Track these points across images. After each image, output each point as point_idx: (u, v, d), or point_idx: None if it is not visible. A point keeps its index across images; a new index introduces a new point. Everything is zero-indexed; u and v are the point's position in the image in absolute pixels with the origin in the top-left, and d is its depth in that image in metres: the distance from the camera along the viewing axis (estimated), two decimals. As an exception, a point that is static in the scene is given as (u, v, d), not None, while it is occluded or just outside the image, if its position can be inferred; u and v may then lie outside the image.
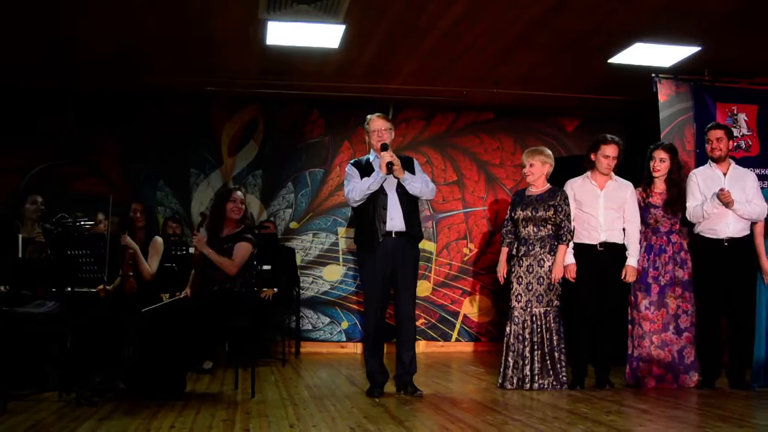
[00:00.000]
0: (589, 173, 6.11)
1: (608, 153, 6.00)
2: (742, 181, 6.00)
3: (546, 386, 5.78)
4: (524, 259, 5.93)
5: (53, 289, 5.80)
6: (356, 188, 5.60)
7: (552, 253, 5.87)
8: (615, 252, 5.95)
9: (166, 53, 7.42)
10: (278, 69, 7.95)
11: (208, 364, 6.83)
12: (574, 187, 6.10)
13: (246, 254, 5.76)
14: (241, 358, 6.20)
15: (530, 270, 5.90)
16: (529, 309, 5.88)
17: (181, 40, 7.03)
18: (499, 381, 5.93)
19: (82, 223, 5.70)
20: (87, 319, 5.63)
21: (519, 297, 5.92)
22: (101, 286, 5.88)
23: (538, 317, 5.86)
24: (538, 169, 5.99)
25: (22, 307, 5.80)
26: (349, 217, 9.04)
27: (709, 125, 6.25)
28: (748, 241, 5.91)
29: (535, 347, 5.83)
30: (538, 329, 5.85)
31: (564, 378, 5.84)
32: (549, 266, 5.86)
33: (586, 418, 4.62)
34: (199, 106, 9.02)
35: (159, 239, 6.58)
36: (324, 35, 6.84)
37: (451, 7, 6.27)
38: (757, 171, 6.97)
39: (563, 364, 5.86)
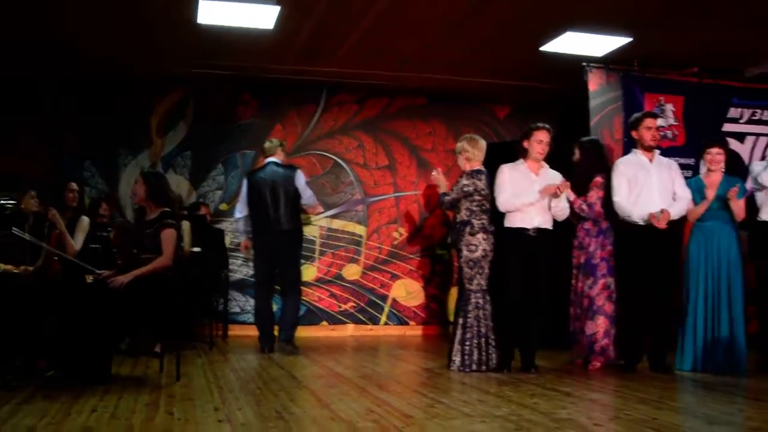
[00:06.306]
0: (522, 161, 6.18)
1: (541, 138, 6.09)
2: (668, 170, 6.19)
3: (480, 367, 5.93)
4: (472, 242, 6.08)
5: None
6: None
7: (469, 236, 6.03)
8: (546, 237, 6.06)
9: (94, 32, 7.23)
10: (210, 49, 7.80)
11: (157, 347, 6.57)
12: (509, 172, 6.15)
13: (173, 241, 5.65)
14: (166, 341, 6.09)
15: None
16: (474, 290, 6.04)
17: (110, 18, 6.85)
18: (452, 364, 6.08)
19: (3, 203, 5.55)
20: (7, 300, 5.47)
21: (471, 280, 6.06)
22: (23, 267, 5.75)
23: (474, 299, 6.01)
24: (459, 160, 6.30)
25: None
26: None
27: (646, 113, 6.38)
28: (670, 225, 6.03)
29: (475, 329, 5.98)
30: (475, 311, 6.00)
31: (492, 362, 5.96)
32: (472, 251, 6.01)
33: (510, 401, 4.68)
34: (127, 86, 8.82)
35: (86, 218, 6.58)
36: (258, 16, 6.74)
37: (385, -9, 6.27)
38: (682, 161, 7.15)
39: (493, 345, 6.00)
